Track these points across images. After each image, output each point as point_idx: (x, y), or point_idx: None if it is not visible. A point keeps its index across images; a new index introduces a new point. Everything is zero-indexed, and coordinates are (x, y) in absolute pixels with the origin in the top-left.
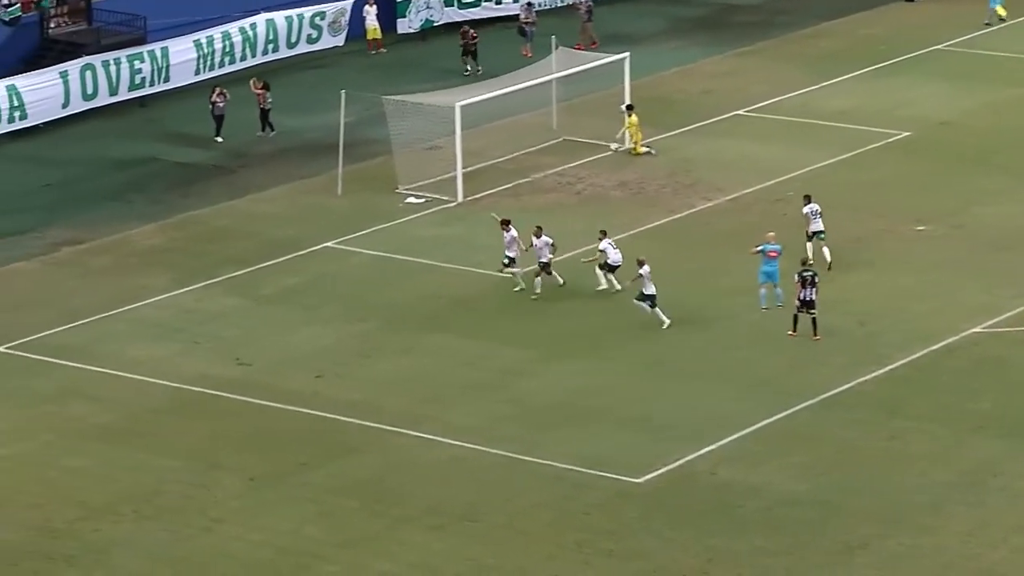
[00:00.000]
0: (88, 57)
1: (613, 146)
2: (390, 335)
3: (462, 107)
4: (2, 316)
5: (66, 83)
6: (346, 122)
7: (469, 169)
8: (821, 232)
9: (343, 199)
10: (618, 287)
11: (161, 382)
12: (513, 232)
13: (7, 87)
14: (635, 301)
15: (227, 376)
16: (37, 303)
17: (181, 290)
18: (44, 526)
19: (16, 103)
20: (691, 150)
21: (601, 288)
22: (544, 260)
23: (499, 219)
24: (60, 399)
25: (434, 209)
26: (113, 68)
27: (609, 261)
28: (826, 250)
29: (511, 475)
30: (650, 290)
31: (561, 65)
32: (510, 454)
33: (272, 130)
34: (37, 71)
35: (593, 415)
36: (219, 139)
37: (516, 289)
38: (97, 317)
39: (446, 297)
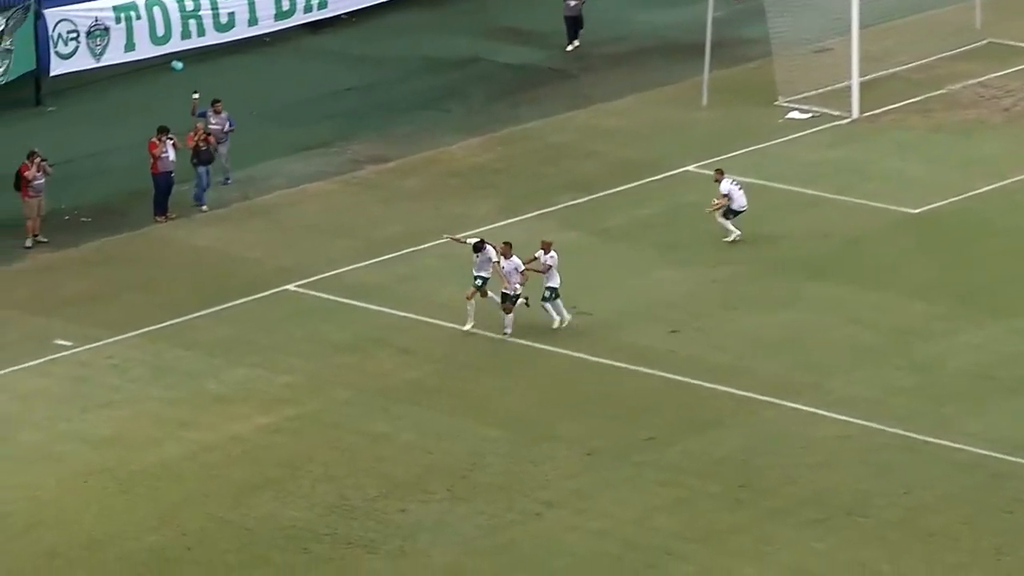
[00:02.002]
0: None
1: None
2: (763, 283)
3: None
4: (293, 248)
5: None
6: (715, 17)
7: (867, 78)
8: None
9: (708, 112)
10: (738, 232)
11: (480, 331)
12: (490, 253)
13: None
14: (542, 303)
15: (562, 327)
16: (334, 232)
17: (508, 220)
18: (339, 504)
19: None
20: None
21: (732, 238)
22: (510, 292)
23: (467, 242)
24: (360, 349)
25: (822, 126)
26: None
27: (734, 207)
28: None
29: (912, 460)
30: (554, 282)
31: None
32: (910, 434)
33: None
34: None
35: (1017, 388)
36: (574, 45)
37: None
38: (406, 251)
39: (835, 236)
